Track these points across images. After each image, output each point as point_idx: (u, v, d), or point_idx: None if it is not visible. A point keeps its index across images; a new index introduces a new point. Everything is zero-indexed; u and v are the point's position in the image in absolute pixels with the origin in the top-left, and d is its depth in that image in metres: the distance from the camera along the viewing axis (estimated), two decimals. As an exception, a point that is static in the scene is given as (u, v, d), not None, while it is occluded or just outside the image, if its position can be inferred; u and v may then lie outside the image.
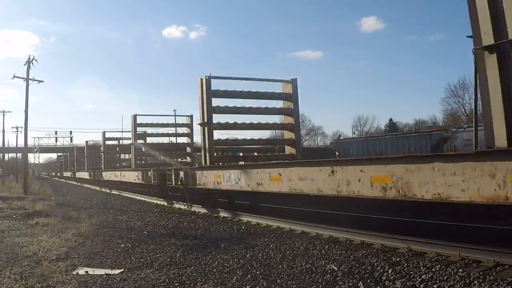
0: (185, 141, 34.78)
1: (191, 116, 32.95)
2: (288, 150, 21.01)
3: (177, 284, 9.01)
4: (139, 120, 33.90)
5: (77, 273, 10.15)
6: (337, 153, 62.33)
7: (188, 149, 34.03)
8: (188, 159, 33.58)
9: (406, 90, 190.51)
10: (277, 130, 57.34)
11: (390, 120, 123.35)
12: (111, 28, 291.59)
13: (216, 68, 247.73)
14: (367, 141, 62.13)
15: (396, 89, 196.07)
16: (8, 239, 15.12)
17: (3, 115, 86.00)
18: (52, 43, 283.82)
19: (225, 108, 19.85)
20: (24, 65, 43.38)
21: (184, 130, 34.54)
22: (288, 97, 20.45)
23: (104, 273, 10.08)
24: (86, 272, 10.21)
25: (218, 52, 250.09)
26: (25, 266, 10.83)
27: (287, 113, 20.80)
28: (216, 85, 19.44)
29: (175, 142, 36.43)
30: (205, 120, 18.95)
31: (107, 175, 41.47)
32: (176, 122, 36.51)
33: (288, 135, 21.00)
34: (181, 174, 21.42)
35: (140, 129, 35.10)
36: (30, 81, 43.07)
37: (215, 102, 19.35)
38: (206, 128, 19.10)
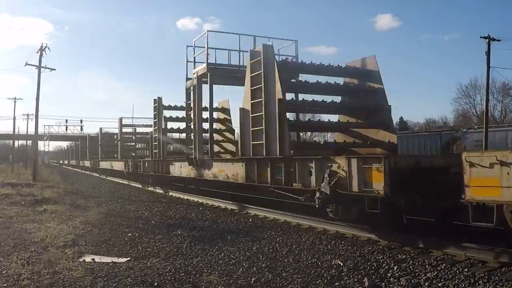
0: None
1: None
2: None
3: (182, 274, 9.06)
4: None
5: (84, 260, 10.21)
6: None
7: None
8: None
9: (418, 89, 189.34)
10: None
11: (401, 118, 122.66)
12: (126, 18, 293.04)
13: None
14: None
15: (408, 88, 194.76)
16: (16, 225, 15.21)
17: (14, 102, 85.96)
18: (66, 31, 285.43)
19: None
20: (37, 52, 43.34)
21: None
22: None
23: (110, 261, 10.13)
24: (93, 259, 10.27)
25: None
26: (32, 252, 10.91)
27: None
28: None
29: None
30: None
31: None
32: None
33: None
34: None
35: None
36: (42, 69, 42.99)
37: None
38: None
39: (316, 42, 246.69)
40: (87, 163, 61.23)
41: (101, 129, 56.65)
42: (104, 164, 48.22)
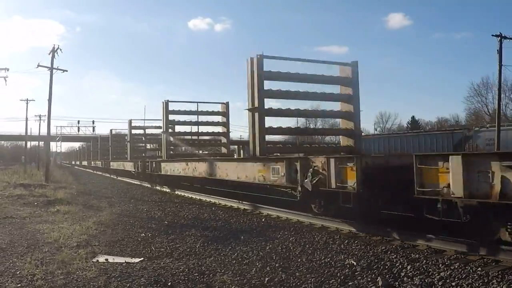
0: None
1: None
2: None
3: (196, 274, 9.07)
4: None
5: (97, 260, 10.24)
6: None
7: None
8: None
9: (430, 88, 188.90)
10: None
11: (413, 117, 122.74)
12: (138, 19, 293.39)
13: (241, 61, 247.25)
14: (389, 138, 61.84)
15: (420, 87, 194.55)
16: (29, 225, 15.28)
17: (27, 104, 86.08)
18: (78, 33, 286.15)
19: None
20: (49, 54, 43.54)
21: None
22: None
23: (124, 261, 10.16)
24: (106, 259, 10.30)
25: (243, 45, 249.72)
26: (46, 253, 10.97)
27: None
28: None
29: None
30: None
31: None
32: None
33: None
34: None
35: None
36: (54, 70, 43.19)
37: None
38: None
39: (328, 42, 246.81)
40: (98, 164, 61.80)
41: (111, 130, 57.00)
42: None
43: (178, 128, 32.81)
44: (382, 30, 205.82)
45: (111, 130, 56.27)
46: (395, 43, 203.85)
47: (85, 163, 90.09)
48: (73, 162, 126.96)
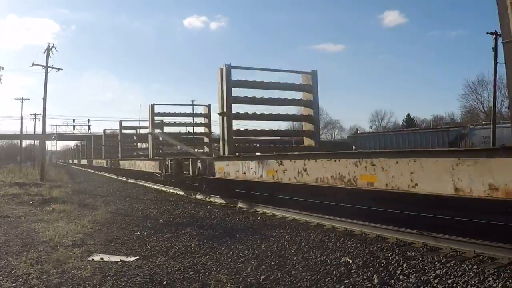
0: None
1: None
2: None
3: (191, 272, 9.05)
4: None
5: (93, 259, 10.22)
6: (353, 147, 62.19)
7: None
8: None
9: (425, 85, 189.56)
10: (294, 123, 58.10)
11: (408, 115, 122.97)
12: (132, 17, 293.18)
13: (236, 59, 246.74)
14: (384, 136, 61.98)
15: (415, 85, 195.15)
16: (24, 224, 15.26)
17: (22, 103, 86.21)
18: (73, 31, 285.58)
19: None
20: (44, 52, 43.61)
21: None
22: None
23: (119, 260, 10.14)
24: (102, 258, 10.28)
25: (238, 43, 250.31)
26: (41, 252, 10.93)
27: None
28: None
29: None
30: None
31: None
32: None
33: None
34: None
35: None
36: (49, 69, 43.25)
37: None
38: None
39: (323, 40, 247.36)
40: (101, 163, 61.48)
41: (104, 130, 57.42)
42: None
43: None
44: (378, 27, 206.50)
45: (120, 122, 55.81)
46: (390, 41, 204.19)
47: (82, 162, 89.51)
48: (69, 161, 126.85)
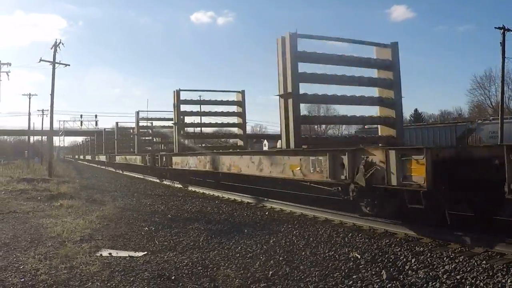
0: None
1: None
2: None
3: (200, 267, 9.06)
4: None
5: (101, 254, 10.24)
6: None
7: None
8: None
9: (433, 80, 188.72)
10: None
11: (415, 110, 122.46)
12: (140, 13, 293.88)
13: (244, 54, 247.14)
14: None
15: (422, 80, 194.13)
16: (32, 220, 15.28)
17: (29, 98, 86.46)
18: (80, 27, 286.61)
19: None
20: (51, 48, 43.57)
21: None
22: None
23: (127, 255, 10.15)
24: (110, 253, 10.30)
25: (246, 38, 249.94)
26: (49, 247, 10.96)
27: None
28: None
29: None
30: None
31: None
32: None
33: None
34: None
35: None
36: (56, 65, 43.21)
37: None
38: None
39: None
40: (102, 158, 61.38)
41: (117, 123, 56.79)
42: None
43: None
44: (385, 22, 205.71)
45: (116, 123, 55.89)
46: (397, 36, 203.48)
47: (88, 157, 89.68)
48: (76, 157, 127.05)
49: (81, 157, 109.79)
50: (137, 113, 43.21)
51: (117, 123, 54.40)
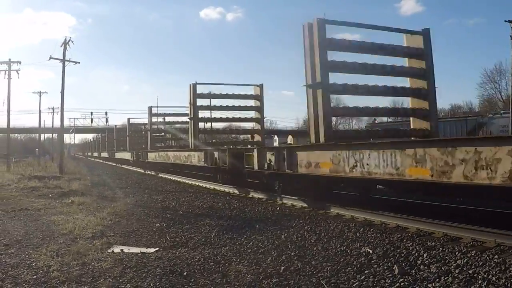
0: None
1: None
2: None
3: (212, 263, 9.06)
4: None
5: (113, 251, 10.26)
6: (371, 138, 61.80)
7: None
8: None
9: (443, 74, 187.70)
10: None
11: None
12: (149, 9, 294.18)
13: (252, 50, 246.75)
14: (402, 125, 61.67)
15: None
16: (44, 217, 15.34)
17: (40, 96, 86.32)
18: (89, 24, 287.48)
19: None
20: (61, 46, 43.73)
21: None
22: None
23: (139, 252, 10.16)
24: (122, 250, 10.31)
25: (255, 34, 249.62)
26: (61, 244, 10.99)
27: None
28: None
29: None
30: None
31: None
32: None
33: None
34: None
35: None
36: (66, 62, 43.38)
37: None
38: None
39: (339, 30, 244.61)
40: (105, 154, 61.31)
41: (129, 119, 56.65)
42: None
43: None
44: (395, 16, 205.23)
45: (128, 119, 55.64)
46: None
47: (101, 154, 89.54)
48: (87, 154, 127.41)
49: (93, 154, 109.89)
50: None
51: (128, 119, 54.40)
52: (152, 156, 37.64)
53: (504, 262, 8.23)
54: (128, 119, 56.51)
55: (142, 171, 38.72)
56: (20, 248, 10.65)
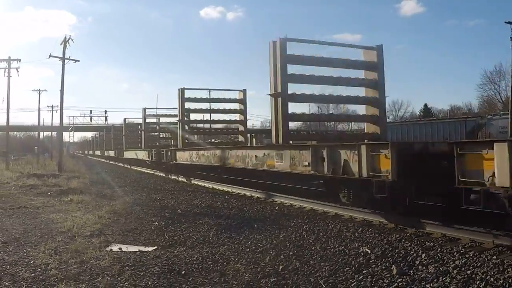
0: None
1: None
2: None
3: (210, 262, 9.06)
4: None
5: (111, 249, 10.26)
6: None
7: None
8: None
9: (442, 75, 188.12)
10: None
11: (425, 105, 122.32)
12: (149, 8, 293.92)
13: (252, 49, 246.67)
14: (401, 126, 61.68)
15: (432, 75, 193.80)
16: (43, 215, 15.35)
17: (39, 94, 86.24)
18: (89, 22, 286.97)
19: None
20: (61, 44, 43.75)
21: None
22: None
23: (137, 250, 10.16)
24: (120, 248, 10.32)
25: (255, 33, 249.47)
26: (60, 242, 10.99)
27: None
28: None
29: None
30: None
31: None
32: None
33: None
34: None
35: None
36: (66, 61, 43.42)
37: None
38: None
39: (340, 30, 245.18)
40: (111, 153, 61.46)
41: (125, 119, 56.80)
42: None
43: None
44: (395, 17, 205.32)
45: (124, 119, 56.15)
46: (408, 30, 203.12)
47: (98, 152, 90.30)
48: (86, 152, 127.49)
49: (91, 152, 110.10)
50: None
51: (125, 119, 55.03)
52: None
53: (502, 263, 8.25)
54: (125, 119, 56.89)
55: (164, 174, 35.40)
56: (19, 246, 10.66)
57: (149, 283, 7.77)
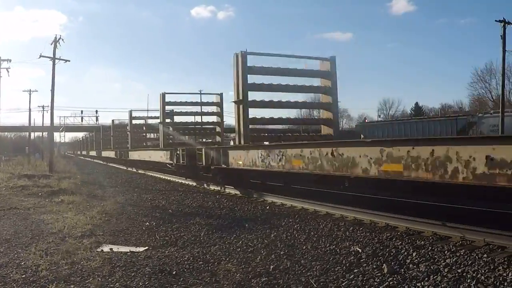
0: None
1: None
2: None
3: (201, 262, 9.06)
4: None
5: (102, 250, 10.24)
6: (362, 136, 62.00)
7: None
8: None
9: (433, 74, 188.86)
10: (303, 111, 58.36)
11: (416, 104, 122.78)
12: (140, 7, 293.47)
13: (243, 48, 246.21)
14: (392, 124, 61.83)
15: (423, 73, 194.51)
16: (33, 216, 15.31)
17: (29, 94, 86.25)
18: (80, 22, 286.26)
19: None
20: (51, 44, 43.73)
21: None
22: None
23: (128, 251, 10.15)
24: (111, 249, 10.30)
25: (246, 32, 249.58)
26: (50, 243, 10.96)
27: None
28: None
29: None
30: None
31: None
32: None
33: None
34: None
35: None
36: (56, 61, 43.41)
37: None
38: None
39: (331, 28, 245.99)
40: (111, 154, 61.63)
41: (113, 121, 57.31)
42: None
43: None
44: (386, 15, 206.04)
45: (112, 121, 56.93)
46: (399, 29, 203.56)
47: (89, 153, 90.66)
48: (77, 152, 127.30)
49: (83, 152, 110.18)
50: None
51: (113, 120, 55.99)
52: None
53: (493, 261, 8.25)
54: (113, 120, 58.02)
55: (125, 168, 41.43)
56: (9, 247, 10.61)
57: (140, 283, 7.76)
